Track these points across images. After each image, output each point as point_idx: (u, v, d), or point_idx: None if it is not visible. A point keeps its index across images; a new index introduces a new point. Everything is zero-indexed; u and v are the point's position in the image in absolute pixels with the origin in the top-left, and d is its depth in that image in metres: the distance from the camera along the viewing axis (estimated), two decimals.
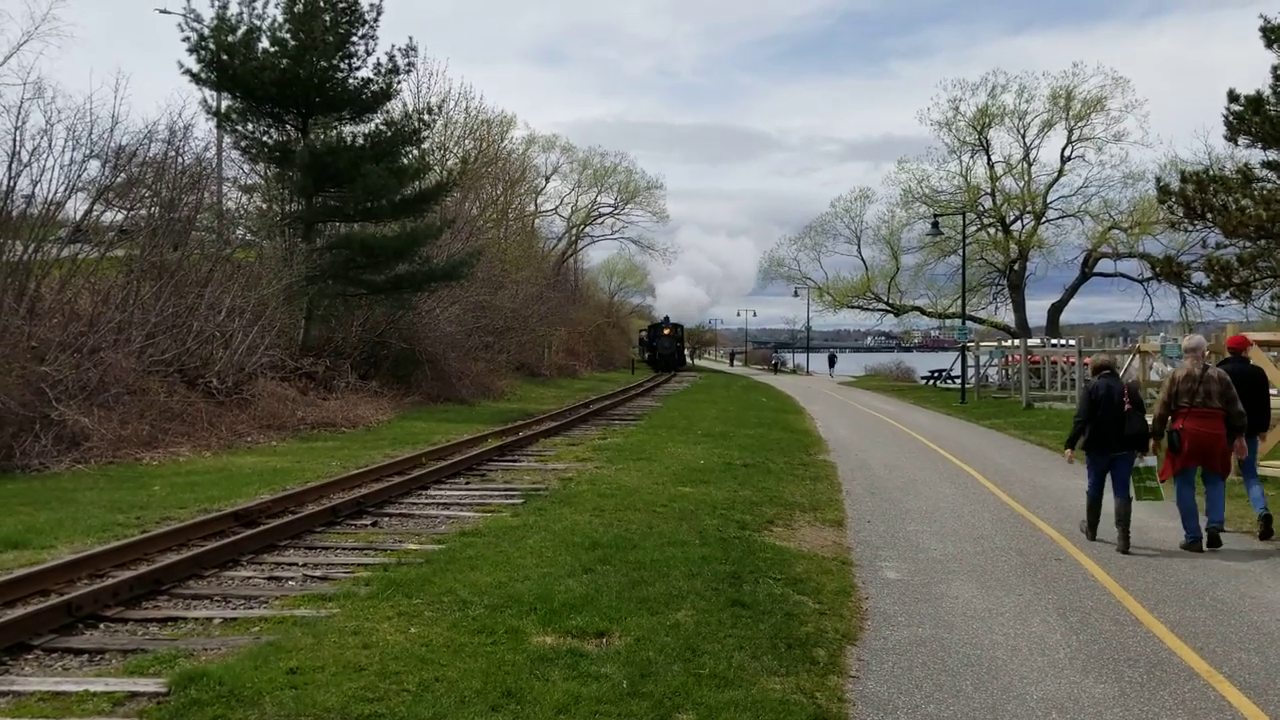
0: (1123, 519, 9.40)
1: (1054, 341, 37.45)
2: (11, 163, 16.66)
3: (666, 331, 66.51)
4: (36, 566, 7.46)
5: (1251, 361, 11.16)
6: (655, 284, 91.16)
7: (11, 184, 16.87)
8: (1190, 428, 9.36)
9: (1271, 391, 18.73)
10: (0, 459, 13.02)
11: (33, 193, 17.44)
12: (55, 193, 17.53)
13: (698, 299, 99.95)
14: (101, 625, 6.44)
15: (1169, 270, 28.04)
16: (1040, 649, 6.32)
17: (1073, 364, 30.50)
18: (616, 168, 69.53)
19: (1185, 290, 40.42)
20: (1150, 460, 9.66)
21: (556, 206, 68.00)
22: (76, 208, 18.82)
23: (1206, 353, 10.03)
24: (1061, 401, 30.71)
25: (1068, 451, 10.11)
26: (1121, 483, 9.54)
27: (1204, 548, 9.33)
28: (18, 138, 16.68)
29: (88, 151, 18.06)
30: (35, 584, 7.04)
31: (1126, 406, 9.39)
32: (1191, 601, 7.51)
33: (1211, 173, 22.18)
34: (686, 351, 75.03)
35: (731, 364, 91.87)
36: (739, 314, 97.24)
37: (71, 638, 6.13)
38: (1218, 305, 28.06)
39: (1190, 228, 24.99)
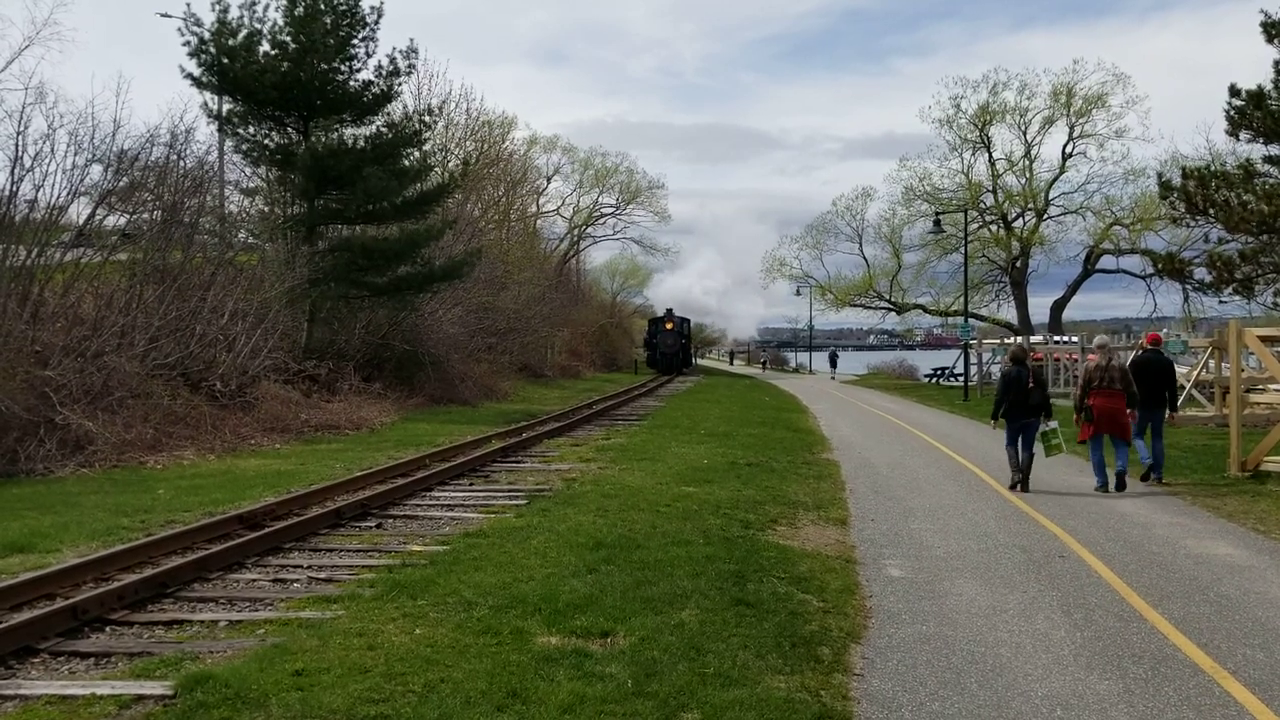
0: (1027, 467, 12.76)
1: (1056, 338, 37.45)
2: (14, 168, 16.71)
3: (669, 325, 58.49)
4: (42, 570, 7.49)
5: (1163, 354, 14.25)
6: (662, 275, 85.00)
7: (14, 189, 16.92)
8: (1099, 404, 12.64)
9: (1275, 387, 18.70)
10: (5, 463, 13.05)
11: (35, 197, 17.49)
12: (58, 197, 17.61)
13: (751, 313, 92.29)
14: (107, 628, 6.46)
15: (1171, 266, 28.00)
16: (1044, 646, 6.32)
17: (1076, 360, 30.46)
18: (618, 168, 69.53)
19: (1188, 286, 40.33)
20: (1053, 424, 12.84)
21: (558, 207, 68.02)
22: (79, 212, 18.89)
23: (1112, 348, 13.45)
24: (1064, 398, 30.63)
25: (991, 421, 13.54)
26: (1028, 442, 12.80)
27: (1109, 490, 12.43)
28: (20, 143, 16.72)
29: (90, 156, 18.10)
30: (41, 588, 7.06)
31: (1030, 385, 12.71)
32: (1195, 597, 7.51)
33: (1213, 168, 22.15)
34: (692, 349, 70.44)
35: (731, 363, 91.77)
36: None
37: (77, 641, 6.15)
38: (1220, 301, 28.09)
39: (1192, 224, 24.94)
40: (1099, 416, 12.63)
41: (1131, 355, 14.05)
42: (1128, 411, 12.76)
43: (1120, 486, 12.45)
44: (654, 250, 76.98)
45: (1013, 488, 12.73)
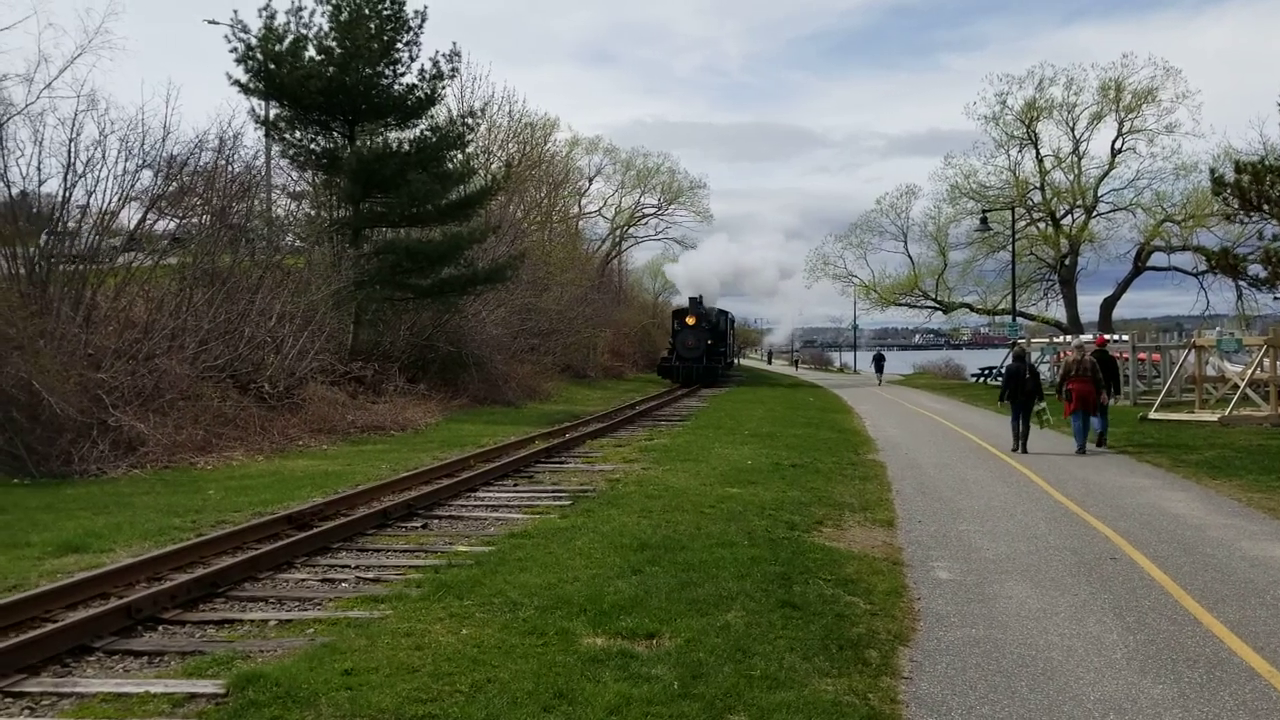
0: (1025, 434, 17.17)
1: (1106, 337, 36.85)
2: (67, 174, 17.02)
3: (690, 321, 42.53)
4: (96, 570, 7.62)
5: (1106, 352, 19.21)
6: (686, 251, 70.22)
7: (67, 195, 17.26)
8: (1075, 388, 16.96)
9: None
10: (59, 464, 13.31)
11: (87, 203, 17.84)
12: (109, 202, 17.92)
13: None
14: (160, 627, 6.55)
15: (1224, 263, 27.44)
16: (1097, 649, 6.22)
17: (1126, 359, 29.95)
18: (659, 168, 69.17)
19: (1241, 283, 39.64)
20: (1042, 405, 17.36)
21: (600, 208, 67.89)
22: (130, 217, 19.21)
23: (1088, 349, 18.15)
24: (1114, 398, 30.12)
25: (999, 403, 18.53)
26: (1025, 418, 17.17)
27: (1084, 453, 16.64)
28: (73, 149, 17.03)
29: (140, 161, 18.41)
30: (96, 587, 7.19)
31: (1026, 376, 17.26)
32: (1251, 600, 7.36)
33: (1267, 162, 21.66)
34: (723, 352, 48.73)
35: (770, 362, 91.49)
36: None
37: (131, 640, 6.25)
38: (1275, 298, 27.49)
39: (1246, 219, 24.40)
40: (1076, 397, 16.92)
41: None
42: (1099, 394, 17.24)
43: (1082, 451, 16.80)
44: (696, 250, 76.58)
45: (1014, 450, 16.87)
